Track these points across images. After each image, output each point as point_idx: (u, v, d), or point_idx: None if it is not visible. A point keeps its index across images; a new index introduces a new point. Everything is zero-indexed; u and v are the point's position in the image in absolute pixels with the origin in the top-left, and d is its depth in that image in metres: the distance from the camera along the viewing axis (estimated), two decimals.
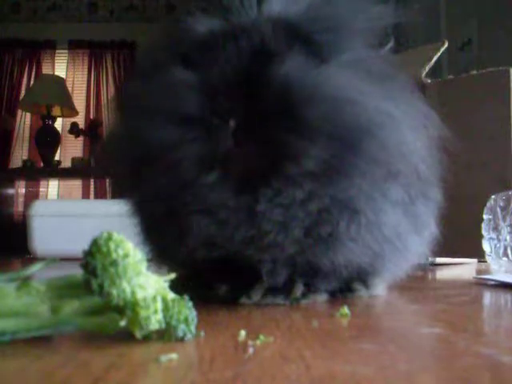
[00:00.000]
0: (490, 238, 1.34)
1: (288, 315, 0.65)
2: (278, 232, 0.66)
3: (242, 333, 0.52)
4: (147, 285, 0.49)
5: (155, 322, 0.48)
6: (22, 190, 5.72)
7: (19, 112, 5.80)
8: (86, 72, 6.09)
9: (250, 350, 0.46)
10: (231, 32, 0.69)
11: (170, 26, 0.81)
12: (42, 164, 5.32)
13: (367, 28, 0.75)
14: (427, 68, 1.86)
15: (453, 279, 1.31)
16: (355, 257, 0.71)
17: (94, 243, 0.47)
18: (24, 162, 5.31)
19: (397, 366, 0.42)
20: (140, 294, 0.48)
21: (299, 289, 0.73)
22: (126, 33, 5.94)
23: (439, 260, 1.60)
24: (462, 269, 1.55)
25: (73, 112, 5.41)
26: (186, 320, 0.50)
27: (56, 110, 5.33)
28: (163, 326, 0.49)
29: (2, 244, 2.90)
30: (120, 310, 0.48)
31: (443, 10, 3.56)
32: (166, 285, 0.51)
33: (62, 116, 5.50)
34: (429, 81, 1.86)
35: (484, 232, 1.36)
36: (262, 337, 0.50)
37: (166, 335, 0.50)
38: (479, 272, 1.40)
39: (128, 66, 5.91)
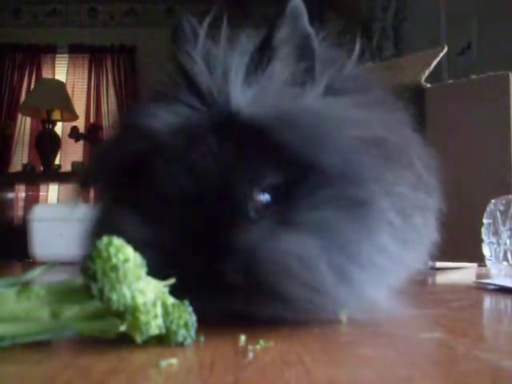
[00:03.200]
0: (490, 243, 1.34)
1: (288, 320, 0.65)
2: None
3: (242, 338, 0.52)
4: (147, 290, 0.49)
5: (155, 326, 0.49)
6: (22, 194, 5.72)
7: (19, 116, 5.81)
8: (86, 76, 6.10)
9: (250, 355, 0.46)
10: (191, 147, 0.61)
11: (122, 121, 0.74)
12: (41, 168, 5.32)
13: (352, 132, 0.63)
14: (427, 73, 1.87)
15: (453, 283, 1.31)
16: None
17: (95, 248, 0.47)
18: (24, 166, 5.31)
19: (397, 371, 0.42)
20: (140, 299, 0.48)
21: None
22: (125, 37, 5.96)
23: (439, 264, 1.60)
24: (462, 273, 1.55)
25: (73, 116, 5.42)
26: (186, 325, 0.50)
27: (56, 114, 5.34)
28: (163, 330, 0.50)
29: (2, 248, 2.90)
30: (120, 315, 0.48)
31: (443, 14, 3.57)
32: (166, 290, 0.51)
33: (62, 120, 5.50)
34: (428, 85, 1.87)
35: (484, 236, 1.36)
36: (262, 342, 0.50)
37: (166, 340, 0.50)
38: (479, 276, 1.40)
39: (128, 70, 5.92)
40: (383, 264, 0.65)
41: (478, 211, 1.39)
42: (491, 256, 1.34)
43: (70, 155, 5.78)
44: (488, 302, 0.91)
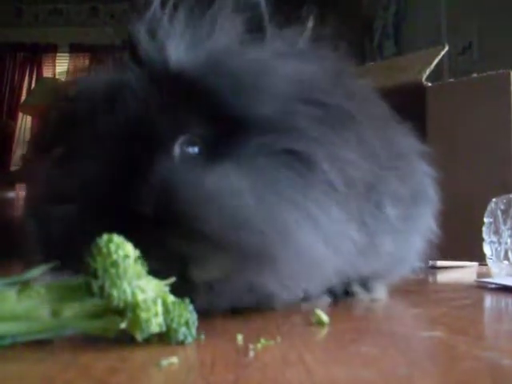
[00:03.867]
0: (491, 242, 1.34)
1: (288, 319, 0.65)
2: None
3: (239, 337, 0.52)
4: (147, 287, 0.48)
5: (156, 324, 0.48)
6: (23, 193, 5.72)
7: (20, 115, 5.81)
8: None
9: (251, 354, 0.46)
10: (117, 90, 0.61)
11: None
12: None
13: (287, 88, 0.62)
14: (427, 72, 1.87)
15: (453, 282, 1.31)
16: None
17: (95, 246, 0.47)
18: (21, 157, 5.31)
19: (397, 369, 0.42)
20: (140, 296, 0.47)
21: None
22: (126, 36, 5.95)
23: (440, 263, 1.60)
24: (463, 272, 1.55)
25: None
26: (187, 323, 0.50)
27: None
28: (164, 328, 0.49)
29: (2, 247, 2.90)
30: (120, 312, 0.48)
31: (444, 14, 3.57)
32: (166, 288, 0.51)
33: None
34: (429, 84, 1.87)
35: (485, 235, 1.36)
36: (262, 340, 0.50)
37: (167, 338, 0.50)
38: (480, 275, 1.40)
39: None
40: (318, 219, 0.60)
41: (479, 210, 1.39)
42: (492, 255, 1.34)
43: None
44: (489, 300, 0.90)
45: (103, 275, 0.46)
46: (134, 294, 0.47)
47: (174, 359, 0.43)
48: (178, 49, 0.62)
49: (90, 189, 0.57)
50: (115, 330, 0.49)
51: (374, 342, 0.53)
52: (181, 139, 0.60)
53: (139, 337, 0.48)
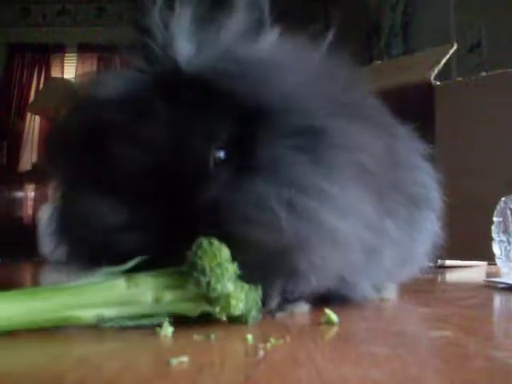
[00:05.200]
0: (500, 241, 1.33)
1: (298, 319, 0.65)
2: None
3: (249, 337, 0.52)
4: (233, 279, 0.58)
5: (240, 309, 0.59)
6: (32, 193, 5.74)
7: (28, 115, 5.83)
8: None
9: (261, 353, 0.46)
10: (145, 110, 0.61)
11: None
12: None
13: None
14: (436, 70, 1.86)
15: (463, 282, 1.30)
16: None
17: (199, 247, 0.56)
18: (33, 165, 5.33)
19: (408, 369, 0.41)
20: (231, 287, 0.57)
21: (274, 300, 0.67)
22: (133, 37, 5.96)
23: (449, 263, 1.60)
24: (472, 271, 1.55)
25: None
26: (257, 305, 0.61)
27: None
28: (243, 311, 0.59)
29: (12, 247, 2.91)
30: (211, 302, 0.58)
31: (452, 12, 3.55)
32: (238, 277, 0.59)
33: None
34: (438, 83, 1.86)
35: (494, 235, 1.36)
36: (272, 340, 0.50)
37: (243, 318, 0.60)
38: (489, 275, 1.40)
39: None
40: (343, 200, 0.63)
41: (488, 209, 1.38)
42: (501, 254, 1.34)
43: None
44: (498, 300, 0.90)
45: (210, 273, 0.56)
46: (230, 288, 0.57)
47: (185, 358, 0.43)
48: (188, 51, 0.63)
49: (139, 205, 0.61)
50: (200, 312, 0.58)
51: (383, 342, 0.53)
52: (215, 150, 0.63)
53: (224, 318, 0.58)
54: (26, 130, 5.88)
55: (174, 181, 0.61)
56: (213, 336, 0.53)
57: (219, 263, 0.56)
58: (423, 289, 1.01)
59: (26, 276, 1.75)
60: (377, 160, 0.68)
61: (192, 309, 0.58)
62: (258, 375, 0.39)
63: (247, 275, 0.59)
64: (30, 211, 5.63)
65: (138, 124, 0.61)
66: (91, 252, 0.62)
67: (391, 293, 0.85)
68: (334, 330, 0.59)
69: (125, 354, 0.47)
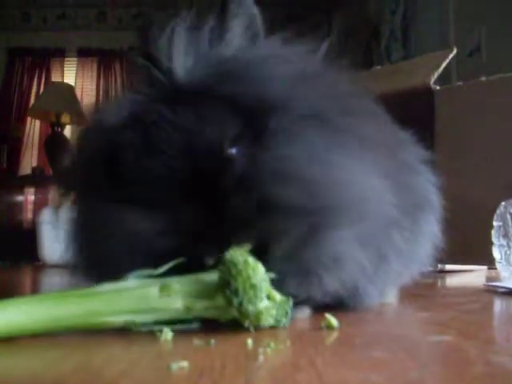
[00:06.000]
0: (500, 245, 1.33)
1: (298, 323, 0.65)
2: None
3: (249, 342, 0.52)
4: (265, 294, 0.58)
5: (270, 322, 0.59)
6: (31, 197, 5.74)
7: (28, 119, 5.84)
8: (94, 79, 6.13)
9: (261, 358, 0.46)
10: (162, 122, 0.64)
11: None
12: (51, 171, 5.34)
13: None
14: (436, 75, 1.86)
15: (463, 286, 1.30)
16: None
17: (233, 265, 0.56)
18: (33, 169, 5.34)
19: (408, 373, 0.41)
20: (263, 304, 0.57)
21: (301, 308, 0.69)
22: (134, 41, 5.97)
23: (449, 267, 1.60)
24: (472, 276, 1.55)
25: (82, 119, 5.43)
26: (287, 314, 0.60)
27: (65, 118, 5.36)
28: (272, 323, 0.59)
29: (12, 251, 2.91)
30: (241, 316, 0.57)
31: (451, 16, 3.56)
32: (270, 284, 0.59)
33: (71, 123, 5.52)
34: (437, 87, 1.86)
35: (494, 239, 1.36)
36: (272, 344, 0.50)
37: (272, 326, 0.59)
38: (489, 279, 1.40)
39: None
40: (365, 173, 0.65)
41: (488, 213, 1.38)
42: (501, 259, 1.34)
43: None
44: (498, 304, 0.90)
45: (243, 294, 0.56)
46: (262, 307, 0.57)
47: (185, 363, 0.43)
48: (186, 64, 0.65)
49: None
50: (228, 318, 0.58)
51: (383, 346, 0.53)
52: (227, 143, 0.64)
53: (252, 329, 0.58)
54: (26, 133, 5.88)
55: (196, 179, 0.62)
56: (213, 341, 0.53)
57: (253, 285, 0.56)
58: (423, 293, 1.01)
59: (27, 280, 1.75)
60: (385, 161, 0.70)
61: (222, 315, 0.59)
62: (258, 380, 0.39)
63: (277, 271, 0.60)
64: (30, 215, 5.62)
65: (149, 136, 0.63)
66: (121, 261, 0.62)
67: (392, 297, 0.85)
68: (335, 334, 0.59)
69: (125, 359, 0.47)
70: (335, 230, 0.63)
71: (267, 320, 0.58)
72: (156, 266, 0.59)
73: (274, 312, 0.59)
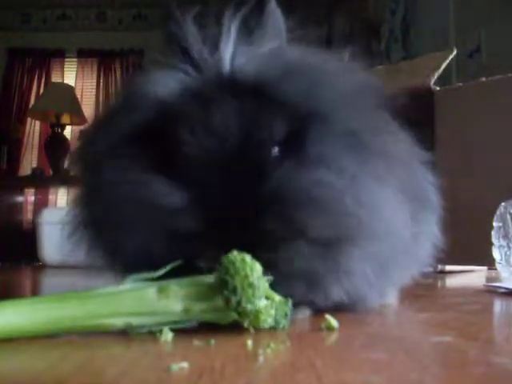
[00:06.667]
0: (500, 246, 1.33)
1: (298, 324, 0.65)
2: None
3: (249, 342, 0.52)
4: (264, 293, 0.58)
5: (269, 323, 0.58)
6: (31, 198, 5.74)
7: (29, 120, 5.84)
8: (94, 80, 6.13)
9: (261, 359, 0.46)
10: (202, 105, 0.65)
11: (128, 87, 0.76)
12: (51, 172, 5.34)
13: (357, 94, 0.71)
14: (436, 75, 1.86)
15: (463, 287, 1.30)
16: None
17: (231, 264, 0.56)
18: (33, 169, 5.33)
19: (408, 375, 0.41)
20: (262, 303, 0.57)
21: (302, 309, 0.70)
22: (134, 41, 5.97)
23: (449, 268, 1.60)
24: (472, 276, 1.55)
25: (82, 120, 5.43)
26: (286, 316, 0.60)
27: (65, 118, 5.35)
28: (272, 324, 0.59)
29: (12, 251, 2.91)
30: (240, 316, 0.57)
31: (452, 17, 3.56)
32: (269, 287, 0.59)
33: (71, 124, 5.52)
34: (437, 88, 1.86)
35: (494, 240, 1.36)
36: (272, 345, 0.50)
37: (271, 328, 0.59)
38: (489, 280, 1.40)
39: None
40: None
41: (488, 214, 1.38)
42: (501, 259, 1.34)
43: None
44: (498, 305, 0.90)
45: (241, 293, 0.56)
46: (260, 306, 0.57)
47: (185, 364, 0.43)
48: (235, 56, 0.67)
49: (206, 201, 0.62)
50: (228, 321, 0.58)
51: (384, 347, 0.53)
52: (273, 146, 0.65)
53: (252, 329, 0.58)
54: (27, 134, 5.88)
55: (236, 172, 0.63)
56: (213, 341, 0.53)
57: (251, 283, 0.56)
58: (423, 294, 1.01)
59: (27, 281, 1.75)
60: (400, 167, 0.73)
61: (221, 318, 0.59)
62: (258, 380, 0.39)
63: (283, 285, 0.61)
64: (30, 216, 5.62)
65: (208, 114, 0.64)
66: (138, 243, 0.63)
67: (392, 298, 0.85)
68: (334, 335, 0.59)
69: (125, 360, 0.47)
70: (347, 246, 0.64)
71: (266, 320, 0.58)
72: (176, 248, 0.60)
73: (272, 312, 0.58)
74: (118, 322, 0.57)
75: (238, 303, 0.56)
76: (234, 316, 0.57)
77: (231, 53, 0.67)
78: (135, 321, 0.57)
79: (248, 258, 0.57)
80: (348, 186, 0.63)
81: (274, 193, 0.62)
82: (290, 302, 0.61)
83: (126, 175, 0.66)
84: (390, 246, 0.68)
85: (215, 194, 0.61)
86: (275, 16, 0.73)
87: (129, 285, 0.59)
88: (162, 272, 0.59)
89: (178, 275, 0.59)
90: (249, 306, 0.56)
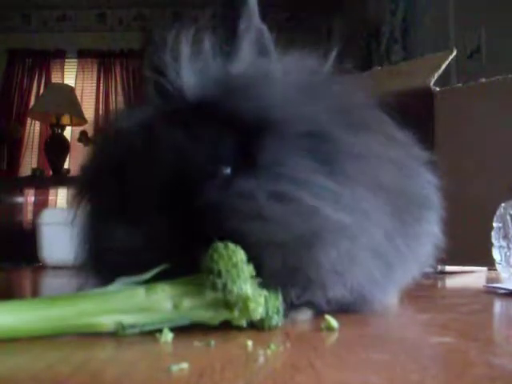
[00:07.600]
0: (500, 247, 1.33)
1: (297, 325, 0.65)
2: None
3: (249, 343, 0.52)
4: (251, 283, 0.58)
5: (259, 313, 0.58)
6: (31, 199, 5.74)
7: (28, 120, 5.84)
8: (94, 81, 6.13)
9: (261, 360, 0.46)
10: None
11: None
12: (51, 172, 5.34)
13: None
14: (436, 76, 1.86)
15: (463, 288, 1.30)
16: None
17: (215, 251, 0.57)
18: (33, 170, 5.33)
19: (408, 375, 0.41)
20: (250, 291, 0.57)
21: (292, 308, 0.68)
22: (134, 42, 5.97)
23: (449, 268, 1.60)
24: (472, 277, 1.55)
25: (82, 121, 5.44)
26: (278, 311, 0.61)
27: (65, 119, 5.36)
28: (263, 316, 0.59)
29: (12, 252, 2.91)
30: (229, 305, 0.57)
31: (452, 17, 3.56)
32: (256, 282, 0.59)
33: (71, 124, 5.53)
34: (437, 89, 1.86)
35: (494, 240, 1.36)
36: (272, 346, 0.50)
37: (264, 324, 0.60)
38: (489, 280, 1.40)
39: (136, 75, 5.93)
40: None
41: (488, 215, 1.38)
42: (501, 260, 1.33)
43: (78, 160, 5.76)
44: (498, 306, 0.90)
45: (226, 275, 0.56)
46: (247, 290, 0.57)
47: (184, 365, 0.43)
48: (192, 81, 0.66)
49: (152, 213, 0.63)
50: (220, 320, 0.59)
51: (384, 348, 0.53)
52: (220, 168, 0.64)
53: (244, 323, 0.59)
54: (26, 135, 5.88)
55: (182, 196, 0.63)
56: (213, 342, 0.53)
57: (234, 264, 0.57)
58: (423, 295, 1.01)
59: (27, 281, 1.74)
60: (385, 167, 0.70)
61: (211, 317, 0.58)
62: (258, 381, 0.39)
63: (265, 281, 0.60)
64: (29, 216, 5.63)
65: (146, 149, 0.64)
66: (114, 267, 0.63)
67: (392, 298, 0.85)
68: (334, 336, 0.59)
69: (124, 360, 0.47)
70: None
71: (256, 310, 0.58)
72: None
73: (262, 301, 0.58)
74: (108, 320, 0.57)
75: (224, 285, 0.56)
76: (224, 313, 0.58)
77: (185, 77, 0.66)
78: (125, 319, 0.57)
79: (230, 244, 0.58)
80: (300, 189, 0.61)
81: (209, 205, 0.61)
82: (280, 297, 0.61)
83: (98, 221, 0.69)
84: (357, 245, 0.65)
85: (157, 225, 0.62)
86: (256, 29, 0.71)
87: (117, 285, 0.59)
88: (149, 275, 0.59)
89: (165, 278, 0.60)
90: (235, 288, 0.56)
